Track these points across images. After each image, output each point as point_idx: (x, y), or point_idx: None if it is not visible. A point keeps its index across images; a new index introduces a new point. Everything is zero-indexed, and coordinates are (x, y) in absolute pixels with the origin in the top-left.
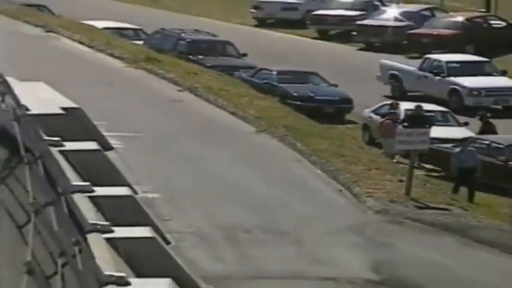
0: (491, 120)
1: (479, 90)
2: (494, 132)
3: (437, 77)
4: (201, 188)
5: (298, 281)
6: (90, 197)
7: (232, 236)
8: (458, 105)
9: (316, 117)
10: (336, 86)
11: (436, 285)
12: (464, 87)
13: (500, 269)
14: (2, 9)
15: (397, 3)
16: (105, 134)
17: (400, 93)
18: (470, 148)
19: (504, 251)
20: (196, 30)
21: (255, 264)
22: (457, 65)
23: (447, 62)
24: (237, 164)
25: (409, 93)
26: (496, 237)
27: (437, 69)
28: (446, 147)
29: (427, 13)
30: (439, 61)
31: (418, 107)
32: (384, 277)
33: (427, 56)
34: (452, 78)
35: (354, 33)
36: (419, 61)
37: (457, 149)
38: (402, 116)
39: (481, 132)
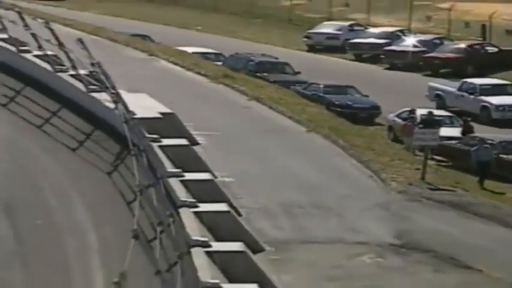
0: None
1: (504, 106)
2: (472, 132)
3: (472, 96)
4: (265, 174)
5: (339, 244)
6: (181, 181)
7: (289, 210)
8: (487, 118)
9: (352, 120)
10: (367, 96)
11: (443, 248)
12: (492, 104)
13: (495, 237)
14: (117, 38)
15: (414, 34)
16: (192, 132)
17: (443, 108)
18: (486, 146)
19: (498, 224)
20: (263, 54)
21: (306, 232)
22: (487, 87)
23: (480, 85)
24: (292, 156)
25: (450, 109)
26: (492, 212)
27: (472, 90)
28: (451, 143)
29: (438, 41)
30: (474, 84)
31: (430, 112)
32: (403, 242)
33: (465, 80)
34: (483, 97)
35: (382, 56)
36: (458, 83)
37: (475, 147)
38: (418, 119)
39: (463, 132)
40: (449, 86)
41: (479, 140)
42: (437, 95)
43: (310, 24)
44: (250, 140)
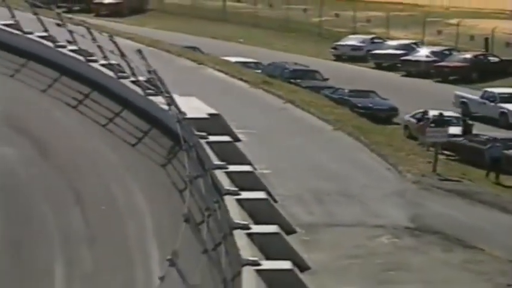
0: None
1: None
2: (471, 130)
3: (492, 103)
4: (297, 166)
5: (361, 227)
6: (226, 172)
7: (318, 197)
8: (505, 122)
9: (373, 120)
10: (386, 99)
11: (451, 231)
12: (509, 110)
13: (496, 222)
14: (171, 49)
15: (427, 46)
16: (235, 130)
17: (467, 114)
18: (497, 144)
19: (499, 210)
20: (296, 63)
21: (332, 216)
22: (506, 95)
23: (499, 93)
24: (320, 151)
25: (473, 115)
26: (494, 200)
27: (492, 98)
28: (457, 140)
29: (447, 52)
30: (493, 93)
31: (441, 114)
32: (417, 225)
33: (486, 89)
34: (502, 104)
35: (399, 65)
36: (481, 92)
37: (489, 145)
38: (431, 119)
39: (463, 130)
40: (472, 95)
41: (493, 139)
42: (463, 102)
43: (336, 37)
44: (284, 137)
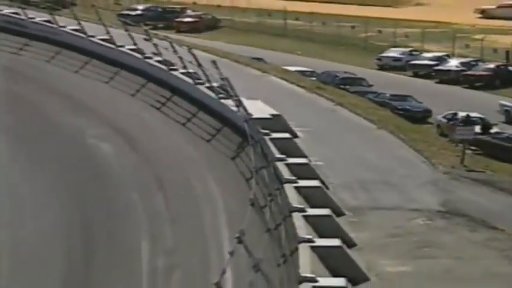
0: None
1: None
2: (490, 129)
3: None
4: (346, 159)
5: (400, 210)
6: (285, 164)
7: (363, 185)
8: None
9: (410, 120)
10: (421, 102)
11: (476, 214)
12: None
13: None
14: (239, 60)
15: (457, 57)
16: (294, 128)
17: (510, 121)
18: None
19: None
20: (345, 72)
21: (376, 201)
22: None
23: None
24: (366, 146)
25: None
26: None
27: None
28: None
29: (474, 63)
30: None
31: (468, 115)
32: (447, 209)
33: None
34: None
35: (433, 74)
36: None
37: None
38: (459, 119)
39: (482, 128)
40: None
41: None
42: (506, 111)
43: (380, 50)
44: (335, 134)
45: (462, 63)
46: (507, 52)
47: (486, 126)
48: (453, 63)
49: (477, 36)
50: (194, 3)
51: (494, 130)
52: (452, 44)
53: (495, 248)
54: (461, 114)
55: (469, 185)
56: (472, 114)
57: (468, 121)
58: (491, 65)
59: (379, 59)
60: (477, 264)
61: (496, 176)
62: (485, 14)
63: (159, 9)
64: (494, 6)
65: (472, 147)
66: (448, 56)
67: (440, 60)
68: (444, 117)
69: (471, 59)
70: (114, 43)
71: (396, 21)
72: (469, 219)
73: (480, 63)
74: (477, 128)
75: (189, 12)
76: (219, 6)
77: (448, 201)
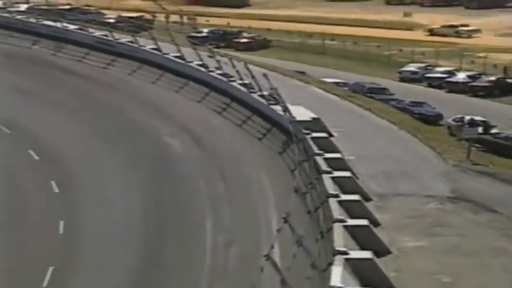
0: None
1: None
2: (490, 130)
3: None
4: (372, 154)
5: (416, 196)
6: (323, 158)
7: (387, 175)
8: None
9: (425, 123)
10: (434, 108)
11: (479, 199)
12: None
13: None
14: (286, 73)
15: (464, 71)
16: (330, 129)
17: None
18: None
19: None
20: (372, 83)
21: (396, 189)
22: None
23: None
24: (389, 143)
25: None
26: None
27: None
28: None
29: (477, 76)
30: None
31: (472, 118)
32: (456, 195)
33: None
34: None
35: (444, 85)
36: None
37: None
38: (466, 122)
39: (484, 129)
40: None
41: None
42: None
43: (400, 65)
44: (363, 134)
45: (468, 76)
46: (505, 67)
47: (487, 128)
48: (461, 76)
49: (480, 54)
50: (249, 27)
51: (494, 131)
52: (460, 60)
53: (495, 228)
54: (467, 117)
55: (474, 176)
56: (476, 118)
57: (473, 123)
58: (492, 78)
59: (399, 73)
60: (480, 240)
61: (497, 169)
62: (431, 32)
63: (221, 32)
64: (438, 26)
65: (476, 145)
66: (456, 70)
67: (450, 73)
68: (453, 120)
69: (475, 72)
70: (184, 59)
71: (414, 41)
72: (474, 204)
73: (483, 76)
74: (480, 129)
75: (244, 34)
76: (269, 29)
77: (456, 189)
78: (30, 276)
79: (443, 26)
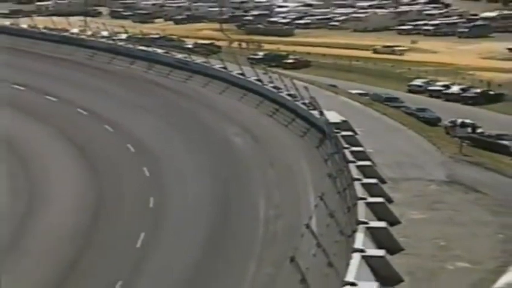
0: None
1: None
2: (476, 130)
3: None
4: (387, 147)
5: (420, 180)
6: (349, 151)
7: (398, 164)
8: None
9: (428, 124)
10: (434, 112)
11: (469, 183)
12: None
13: (495, 179)
14: (321, 86)
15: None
16: (355, 128)
17: None
18: None
19: (498, 173)
20: (387, 94)
21: (406, 174)
22: None
23: None
24: (399, 140)
25: None
26: (494, 166)
27: None
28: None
29: (467, 88)
30: None
31: (463, 121)
32: (450, 180)
33: None
34: None
35: (442, 95)
36: None
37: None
38: (458, 124)
39: (472, 130)
40: None
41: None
42: None
43: (409, 80)
44: (380, 132)
45: (460, 89)
46: (488, 82)
47: (475, 128)
48: (455, 89)
49: (470, 72)
50: (294, 51)
51: (479, 130)
52: (454, 77)
53: (481, 205)
54: (459, 120)
55: (465, 165)
56: (466, 121)
57: (463, 125)
58: (478, 90)
59: (408, 86)
60: (469, 214)
61: (483, 159)
62: (375, 51)
63: (272, 55)
64: (380, 46)
65: (466, 141)
66: (452, 84)
67: (446, 86)
68: (449, 122)
69: (466, 86)
70: (244, 75)
71: (420, 62)
72: (465, 187)
73: (472, 89)
74: (469, 129)
75: (290, 56)
76: (308, 53)
77: (451, 175)
78: (128, 239)
79: (383, 47)
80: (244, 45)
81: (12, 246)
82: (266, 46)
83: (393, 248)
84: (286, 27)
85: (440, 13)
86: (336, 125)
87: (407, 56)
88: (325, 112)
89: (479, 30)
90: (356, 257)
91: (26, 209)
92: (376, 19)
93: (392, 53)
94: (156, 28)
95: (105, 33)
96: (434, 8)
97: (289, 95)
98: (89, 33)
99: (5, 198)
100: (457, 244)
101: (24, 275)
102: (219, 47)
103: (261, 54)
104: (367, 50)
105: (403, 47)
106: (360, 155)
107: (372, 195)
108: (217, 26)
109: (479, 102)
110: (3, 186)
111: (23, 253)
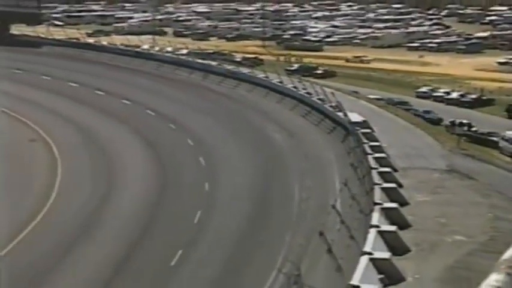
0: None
1: None
2: (471, 128)
3: None
4: (398, 142)
5: (425, 169)
6: (368, 145)
7: (407, 156)
8: None
9: (432, 124)
10: (437, 114)
11: (465, 171)
12: None
13: (487, 168)
14: (345, 92)
15: (456, 91)
16: (373, 126)
17: None
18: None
19: (490, 163)
20: (398, 98)
21: (413, 164)
22: None
23: None
24: (409, 136)
25: None
26: (487, 159)
27: None
28: (468, 132)
29: (464, 94)
30: None
31: (461, 121)
32: (450, 169)
33: None
34: None
35: (444, 100)
36: None
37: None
38: (457, 123)
39: (468, 128)
40: None
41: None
42: None
43: (417, 88)
44: (393, 130)
45: (458, 95)
46: (482, 89)
47: (470, 127)
48: (454, 95)
49: (466, 81)
50: (322, 63)
51: (474, 129)
52: (454, 85)
53: (474, 189)
54: (458, 120)
55: (462, 157)
56: (463, 121)
57: (461, 124)
58: (474, 96)
59: (416, 92)
60: (464, 197)
61: (476, 152)
62: (347, 60)
63: (305, 66)
64: (351, 57)
65: (463, 138)
66: (452, 91)
67: (447, 93)
68: (449, 121)
69: (463, 92)
70: (282, 83)
71: (425, 73)
72: (461, 174)
73: (468, 95)
74: (465, 128)
75: (320, 68)
76: (334, 65)
77: (450, 164)
78: (186, 217)
79: (353, 57)
80: (282, 58)
81: (94, 219)
82: (302, 59)
83: (403, 224)
84: (317, 44)
85: (443, 33)
86: (358, 124)
87: (372, 64)
88: (348, 113)
89: (474, 47)
90: (372, 232)
91: (105, 190)
92: (390, 37)
93: (361, 62)
94: (211, 45)
95: (169, 49)
96: (438, 29)
97: (319, 99)
98: (157, 48)
99: (89, 180)
100: (454, 221)
101: (114, 233)
102: (261, 60)
103: (295, 66)
104: (341, 59)
105: (368, 57)
106: (376, 148)
107: (386, 181)
108: (260, 43)
109: (474, 105)
110: (88, 172)
111: (108, 220)
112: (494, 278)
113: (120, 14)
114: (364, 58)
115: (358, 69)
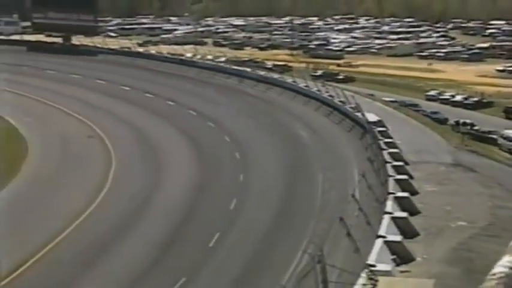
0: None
1: None
2: (473, 127)
3: None
4: (408, 139)
5: (433, 163)
6: (383, 142)
7: (417, 151)
8: None
9: (439, 123)
10: (443, 114)
11: (468, 165)
12: None
13: (488, 163)
14: (362, 95)
15: (460, 95)
16: (387, 125)
17: None
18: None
19: (490, 159)
20: (410, 101)
21: (423, 158)
22: None
23: None
24: (417, 134)
25: None
26: (488, 154)
27: None
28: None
29: (467, 97)
30: None
31: (464, 121)
32: (455, 163)
33: None
34: None
35: (449, 103)
36: None
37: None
38: (461, 122)
39: (470, 127)
40: None
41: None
42: None
43: (426, 91)
44: (405, 129)
45: (462, 98)
46: (482, 93)
47: (472, 126)
48: (458, 98)
49: (468, 86)
50: (342, 70)
51: (476, 127)
52: (458, 89)
53: (476, 181)
54: (461, 120)
55: (466, 152)
56: (466, 120)
57: (464, 123)
58: (475, 99)
59: (425, 95)
60: (467, 187)
61: (478, 148)
62: (338, 65)
63: (328, 72)
64: (342, 62)
65: (466, 136)
66: (456, 94)
67: (452, 96)
68: (454, 121)
69: (466, 96)
70: (308, 87)
71: (433, 79)
72: (465, 168)
73: (470, 98)
74: (468, 127)
75: (340, 74)
76: (351, 71)
77: (455, 159)
78: (223, 203)
79: (344, 62)
80: (308, 65)
81: (146, 203)
82: (322, 66)
83: (413, 211)
84: (338, 53)
85: (449, 44)
86: (374, 123)
87: (361, 68)
88: (366, 113)
89: (476, 56)
90: (386, 218)
91: (153, 182)
92: (402, 47)
93: (350, 66)
94: (246, 53)
95: (209, 57)
96: (444, 40)
97: (340, 101)
98: (198, 56)
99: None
100: (458, 209)
101: (162, 216)
102: (290, 67)
103: (320, 72)
104: (334, 64)
105: (357, 62)
106: (390, 145)
107: (399, 174)
108: (289, 52)
109: (476, 107)
110: (140, 166)
111: (157, 204)
112: (506, 259)
113: (167, 26)
114: (353, 63)
115: (374, 75)
